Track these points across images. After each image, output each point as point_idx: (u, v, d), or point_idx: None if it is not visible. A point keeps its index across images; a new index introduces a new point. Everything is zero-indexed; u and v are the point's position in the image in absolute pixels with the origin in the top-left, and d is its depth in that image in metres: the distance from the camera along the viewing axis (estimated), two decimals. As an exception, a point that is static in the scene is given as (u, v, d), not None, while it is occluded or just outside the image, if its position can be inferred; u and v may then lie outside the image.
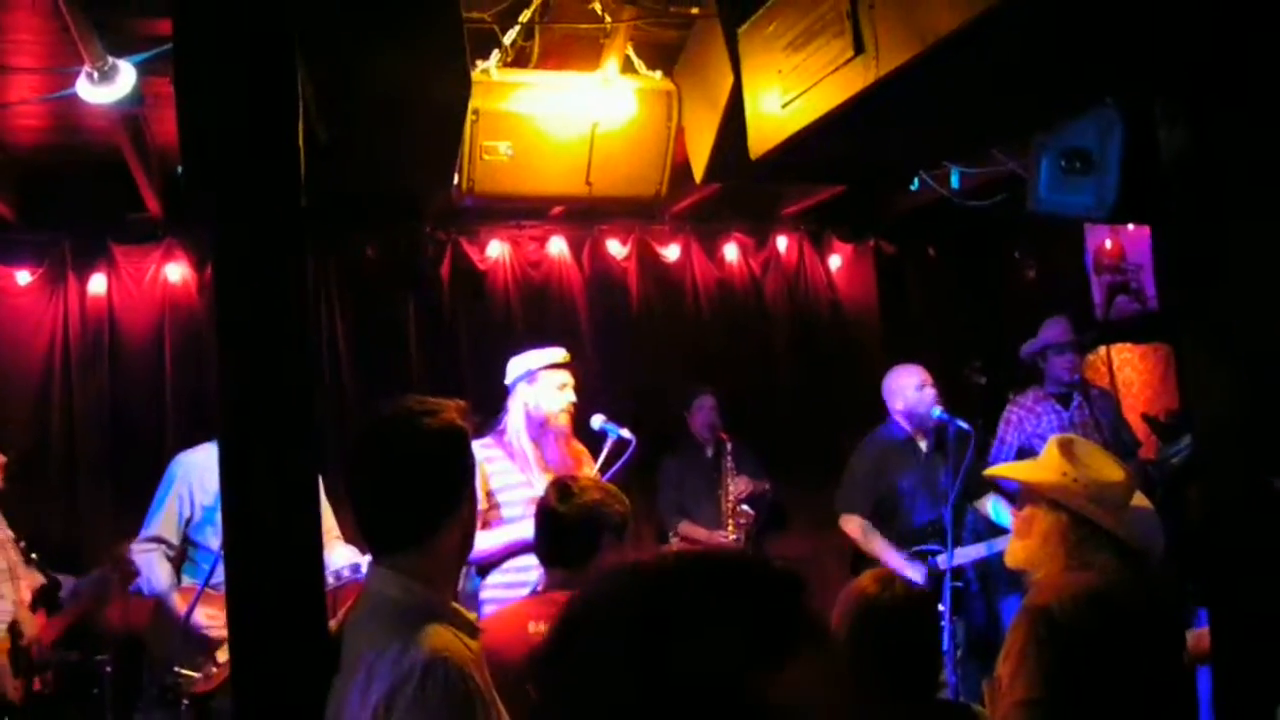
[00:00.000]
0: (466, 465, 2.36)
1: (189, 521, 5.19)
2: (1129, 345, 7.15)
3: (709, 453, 6.66)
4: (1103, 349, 7.06)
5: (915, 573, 5.58)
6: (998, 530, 5.71)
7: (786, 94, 3.40)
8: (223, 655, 4.89)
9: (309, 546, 2.71)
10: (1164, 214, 3.64)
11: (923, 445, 5.98)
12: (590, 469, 4.72)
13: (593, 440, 4.93)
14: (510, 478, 4.61)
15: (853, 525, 5.92)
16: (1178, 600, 3.27)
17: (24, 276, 6.34)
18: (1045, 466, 3.10)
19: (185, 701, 4.92)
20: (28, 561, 5.31)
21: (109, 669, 5.43)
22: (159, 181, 5.96)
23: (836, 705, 1.01)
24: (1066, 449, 3.09)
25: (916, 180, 5.61)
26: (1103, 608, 2.87)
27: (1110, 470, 3.05)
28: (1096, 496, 2.98)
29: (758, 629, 0.99)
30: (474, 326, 6.95)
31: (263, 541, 2.64)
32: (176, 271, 6.50)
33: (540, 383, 4.73)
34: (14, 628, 5.03)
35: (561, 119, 4.38)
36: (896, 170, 4.88)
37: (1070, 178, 3.74)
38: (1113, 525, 2.97)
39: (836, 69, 3.12)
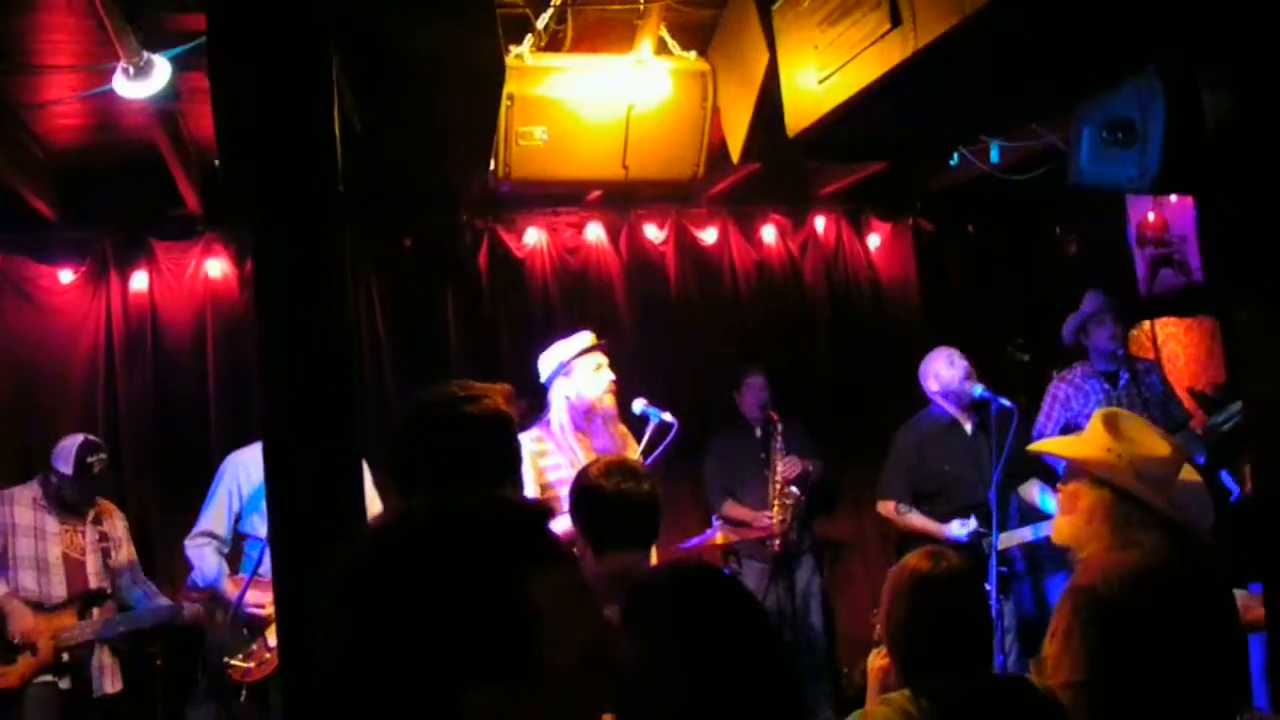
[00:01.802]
0: (509, 450, 2.36)
1: (238, 516, 5.28)
2: (1173, 319, 7.04)
3: (758, 433, 6.62)
4: (1147, 323, 6.97)
5: (960, 528, 5.56)
6: (1045, 515, 5.66)
7: (823, 69, 3.37)
8: (274, 639, 4.93)
9: (353, 532, 2.72)
10: (1209, 184, 3.58)
11: (967, 426, 5.94)
12: (634, 452, 4.70)
13: (634, 425, 4.92)
14: (563, 472, 4.55)
15: (886, 508, 5.92)
16: (1229, 575, 3.21)
17: (66, 275, 6.40)
18: (1089, 442, 3.05)
19: (244, 692, 4.96)
20: (106, 568, 5.39)
21: (159, 661, 5.49)
22: (197, 178, 6.01)
23: (581, 611, 1.23)
24: (1111, 423, 3.04)
25: (956, 155, 5.56)
26: (1150, 587, 2.83)
27: (1156, 445, 3.00)
28: (1142, 472, 2.94)
29: (516, 548, 1.20)
30: (513, 314, 6.95)
31: (308, 528, 2.66)
32: (217, 266, 6.54)
33: (576, 372, 4.69)
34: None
35: (596, 102, 4.36)
36: (936, 145, 4.83)
37: (1112, 149, 3.69)
38: (1159, 501, 2.92)
39: (873, 42, 3.09)
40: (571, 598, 1.22)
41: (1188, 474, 3.08)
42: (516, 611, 1.17)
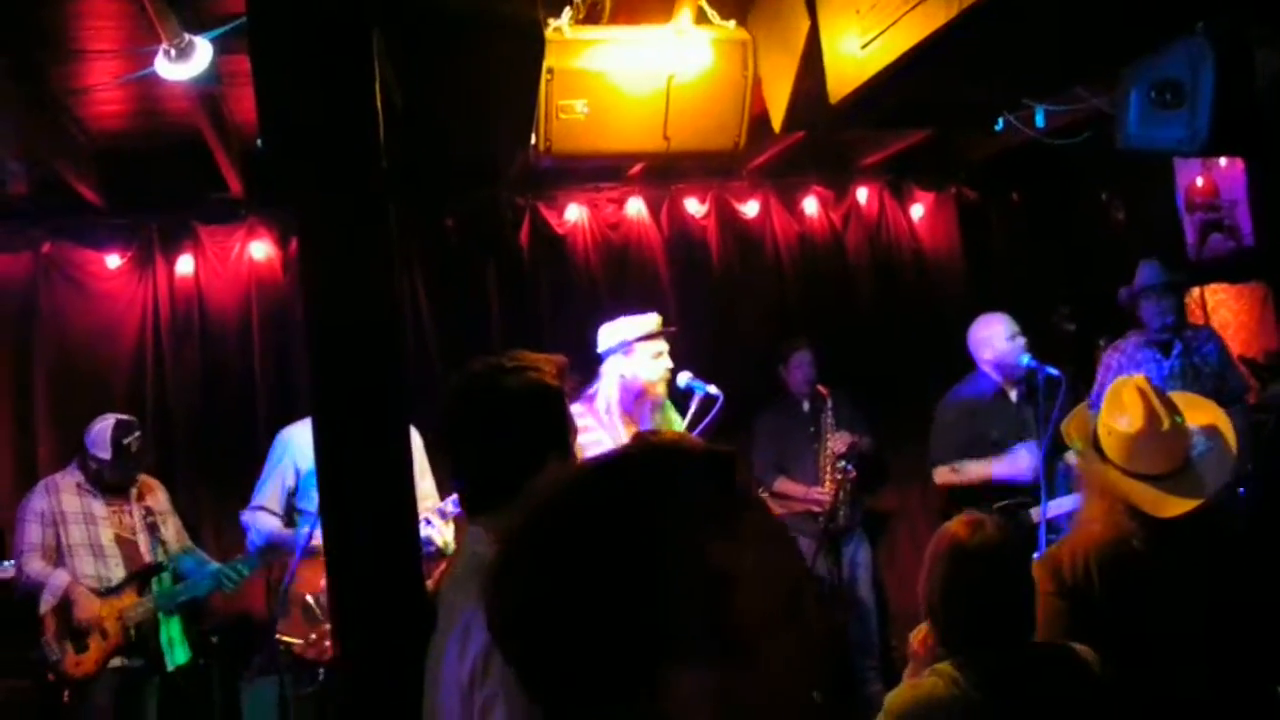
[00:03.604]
0: (553, 423, 2.33)
1: (292, 491, 5.31)
2: (1223, 285, 6.94)
3: (805, 407, 6.58)
4: (1196, 290, 6.88)
5: (1026, 457, 5.46)
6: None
7: (865, 35, 3.33)
8: None
9: (403, 510, 2.74)
10: (1261, 145, 3.51)
11: (1012, 395, 5.88)
12: (679, 426, 4.69)
13: (679, 398, 4.90)
14: (603, 450, 4.51)
15: (941, 473, 5.85)
16: (1245, 548, 3.14)
17: (113, 260, 6.46)
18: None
19: (320, 672, 4.99)
20: (159, 543, 5.48)
21: (214, 639, 5.56)
22: (239, 161, 6.04)
23: (778, 564, 1.09)
24: (1114, 396, 3.01)
25: (1001, 121, 5.49)
26: (1118, 564, 2.83)
27: (1136, 416, 2.92)
28: (1125, 444, 2.91)
29: (709, 499, 1.07)
30: (555, 291, 6.95)
31: (358, 508, 2.67)
32: (261, 249, 6.58)
33: (636, 354, 4.68)
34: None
35: (636, 74, 4.32)
36: (980, 110, 4.77)
37: (1161, 111, 3.63)
38: (1156, 473, 2.88)
39: (917, 5, 3.05)
40: (767, 551, 1.08)
41: (1213, 432, 3.00)
42: (709, 578, 1.02)
